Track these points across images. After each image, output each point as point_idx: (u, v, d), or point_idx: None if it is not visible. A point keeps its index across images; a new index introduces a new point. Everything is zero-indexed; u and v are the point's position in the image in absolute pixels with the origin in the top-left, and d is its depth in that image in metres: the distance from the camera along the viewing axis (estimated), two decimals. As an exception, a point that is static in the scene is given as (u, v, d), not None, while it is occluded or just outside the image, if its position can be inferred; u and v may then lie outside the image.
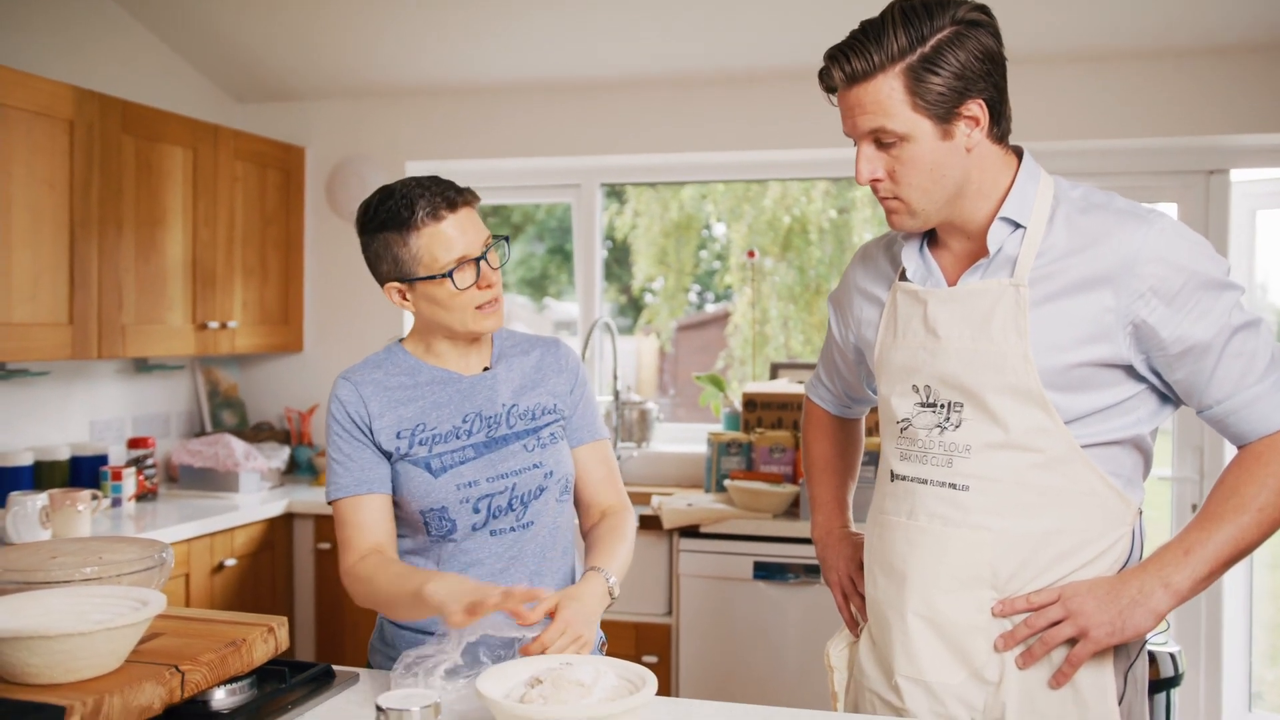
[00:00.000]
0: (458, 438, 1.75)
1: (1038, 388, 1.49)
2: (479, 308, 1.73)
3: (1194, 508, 3.66)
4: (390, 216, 1.69)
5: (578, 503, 1.91)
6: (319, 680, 1.66)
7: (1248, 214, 3.78)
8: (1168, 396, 1.56)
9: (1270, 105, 3.39)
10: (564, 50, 3.78)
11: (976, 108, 1.47)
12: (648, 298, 7.94)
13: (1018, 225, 1.53)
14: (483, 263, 1.71)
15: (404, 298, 1.75)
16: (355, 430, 1.75)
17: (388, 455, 1.75)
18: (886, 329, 1.67)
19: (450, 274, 1.69)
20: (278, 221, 4.09)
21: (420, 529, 1.77)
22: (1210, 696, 3.65)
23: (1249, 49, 3.39)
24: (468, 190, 1.73)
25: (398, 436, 1.74)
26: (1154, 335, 1.47)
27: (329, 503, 1.78)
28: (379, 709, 1.31)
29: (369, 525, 1.74)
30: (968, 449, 1.54)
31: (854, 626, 1.82)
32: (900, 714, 1.60)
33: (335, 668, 1.72)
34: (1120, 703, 1.52)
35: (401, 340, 1.85)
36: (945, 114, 1.46)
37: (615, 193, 6.81)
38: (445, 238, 1.69)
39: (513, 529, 1.76)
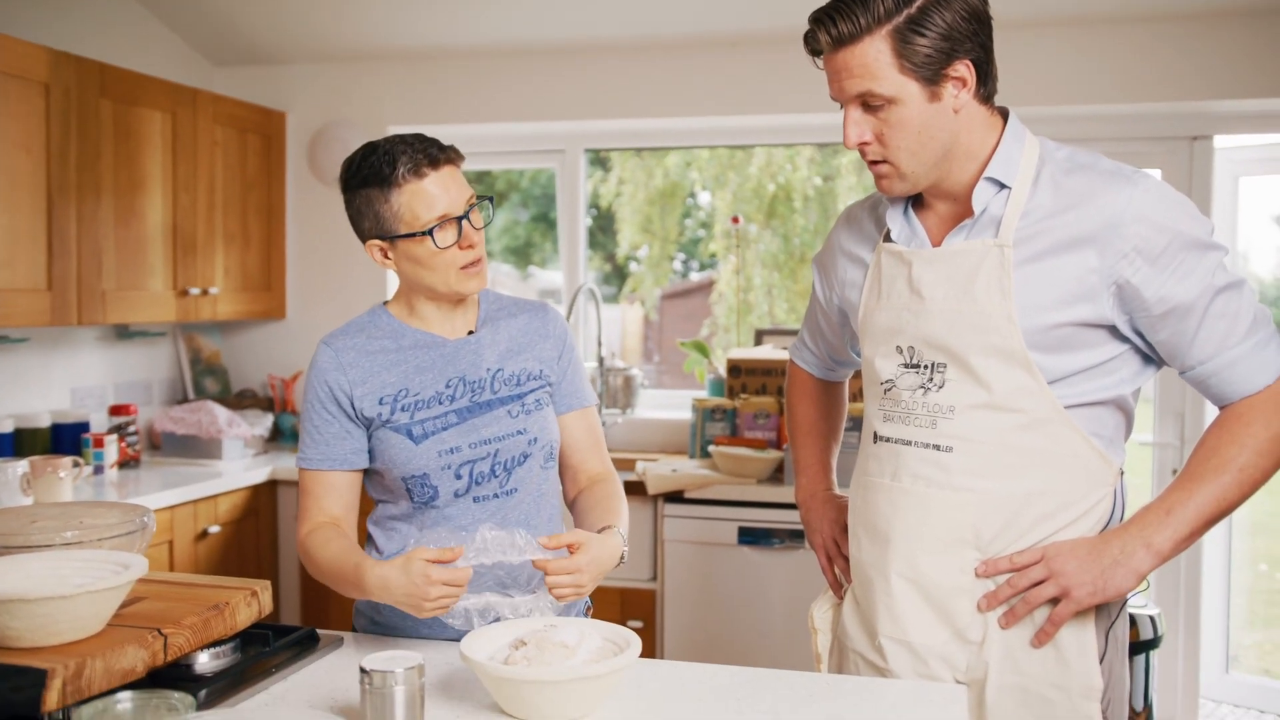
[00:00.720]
0: (440, 403, 1.74)
1: (1021, 348, 1.49)
2: (462, 268, 1.70)
3: (1174, 472, 3.69)
4: (372, 173, 1.67)
5: (562, 469, 1.89)
6: (303, 644, 1.66)
7: (1230, 180, 3.79)
8: (1150, 357, 1.56)
9: (1254, 71, 3.39)
10: (548, 14, 3.74)
11: (964, 68, 1.46)
12: (632, 266, 7.92)
13: (1003, 186, 1.53)
14: (465, 222, 1.69)
15: (385, 256, 1.73)
16: (330, 402, 1.74)
17: (369, 422, 1.74)
18: (870, 290, 1.67)
19: (430, 232, 1.67)
20: (259, 187, 4.06)
21: (403, 495, 1.76)
22: (1189, 658, 3.69)
23: (1233, 14, 3.38)
24: (451, 148, 1.71)
25: (379, 403, 1.73)
26: (1137, 295, 1.47)
27: (298, 468, 1.78)
28: (363, 671, 1.31)
29: (326, 498, 1.75)
30: (951, 410, 1.54)
31: (838, 589, 1.83)
32: (883, 674, 1.61)
33: (320, 631, 1.72)
34: (1101, 661, 1.53)
35: (386, 303, 1.83)
36: (933, 75, 1.45)
37: (600, 160, 6.78)
38: (427, 195, 1.66)
39: (496, 495, 1.75)
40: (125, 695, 1.24)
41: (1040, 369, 1.50)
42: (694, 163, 7.27)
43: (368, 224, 1.71)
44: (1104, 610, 1.56)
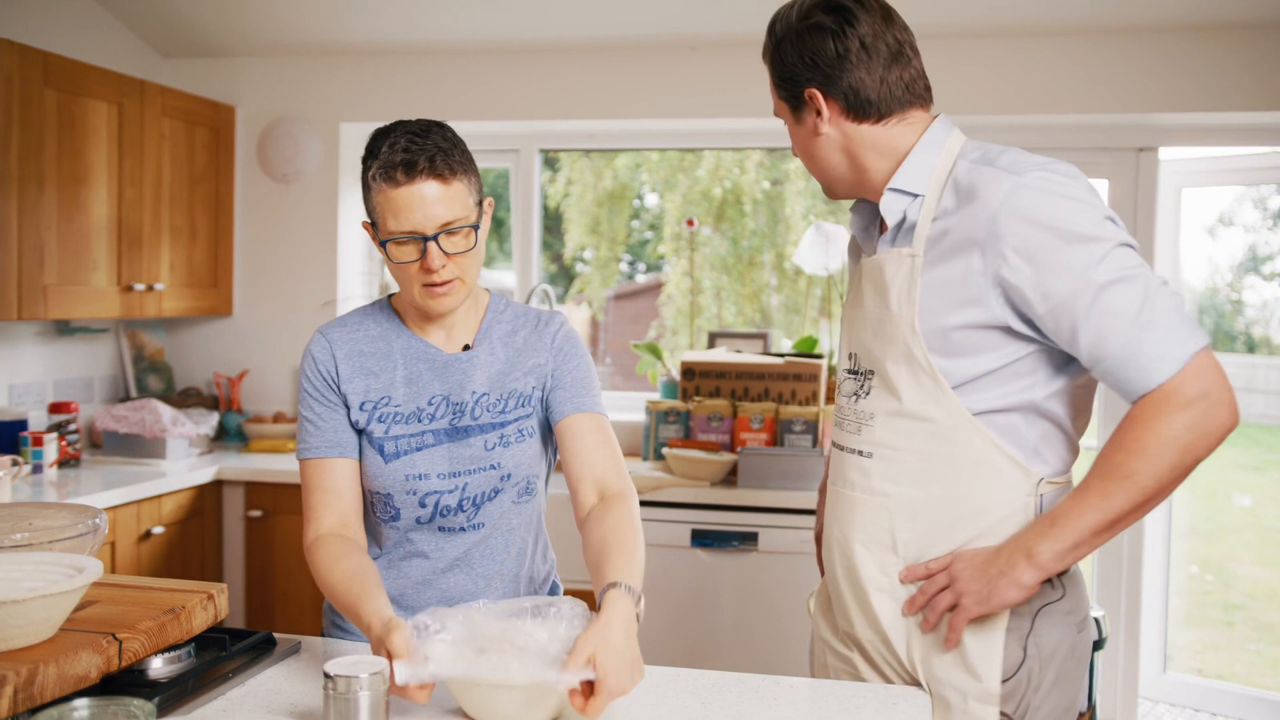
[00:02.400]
0: (419, 420, 1.67)
1: (924, 355, 1.50)
2: (424, 286, 1.60)
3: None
4: (365, 155, 1.60)
5: (570, 479, 1.68)
6: (259, 648, 1.63)
7: (1174, 191, 3.88)
8: (1070, 358, 1.51)
9: (1198, 84, 3.47)
10: (505, 13, 3.72)
11: (817, 96, 1.58)
12: (579, 266, 7.91)
13: (915, 195, 1.55)
14: (431, 244, 1.56)
15: (373, 239, 1.64)
16: (326, 390, 1.69)
17: (353, 423, 1.69)
18: (848, 299, 1.73)
19: (385, 244, 1.58)
20: (207, 181, 3.98)
21: (367, 508, 1.72)
22: (1129, 659, 3.77)
23: (1180, 27, 3.46)
24: (443, 160, 1.56)
25: (360, 408, 1.68)
26: (1020, 295, 1.44)
27: (299, 462, 1.71)
28: (326, 676, 1.29)
29: (334, 491, 1.67)
30: (872, 417, 1.58)
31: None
32: (850, 665, 1.66)
33: (276, 635, 1.69)
34: (1020, 669, 1.52)
35: (391, 296, 1.76)
36: (793, 102, 1.62)
37: (549, 161, 6.75)
38: (395, 206, 1.56)
39: (463, 529, 1.70)
40: (82, 703, 1.21)
41: (944, 374, 1.50)
42: (643, 165, 7.28)
43: (365, 204, 1.63)
44: (1018, 619, 1.53)
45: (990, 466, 1.50)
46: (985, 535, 1.52)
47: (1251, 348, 4.76)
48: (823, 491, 1.93)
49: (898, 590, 1.57)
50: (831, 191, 1.67)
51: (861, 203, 1.69)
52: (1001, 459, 1.50)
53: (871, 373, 1.58)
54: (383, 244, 1.59)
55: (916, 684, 1.57)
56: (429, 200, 1.55)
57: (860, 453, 1.59)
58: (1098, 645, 2.93)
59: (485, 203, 1.66)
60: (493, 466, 1.68)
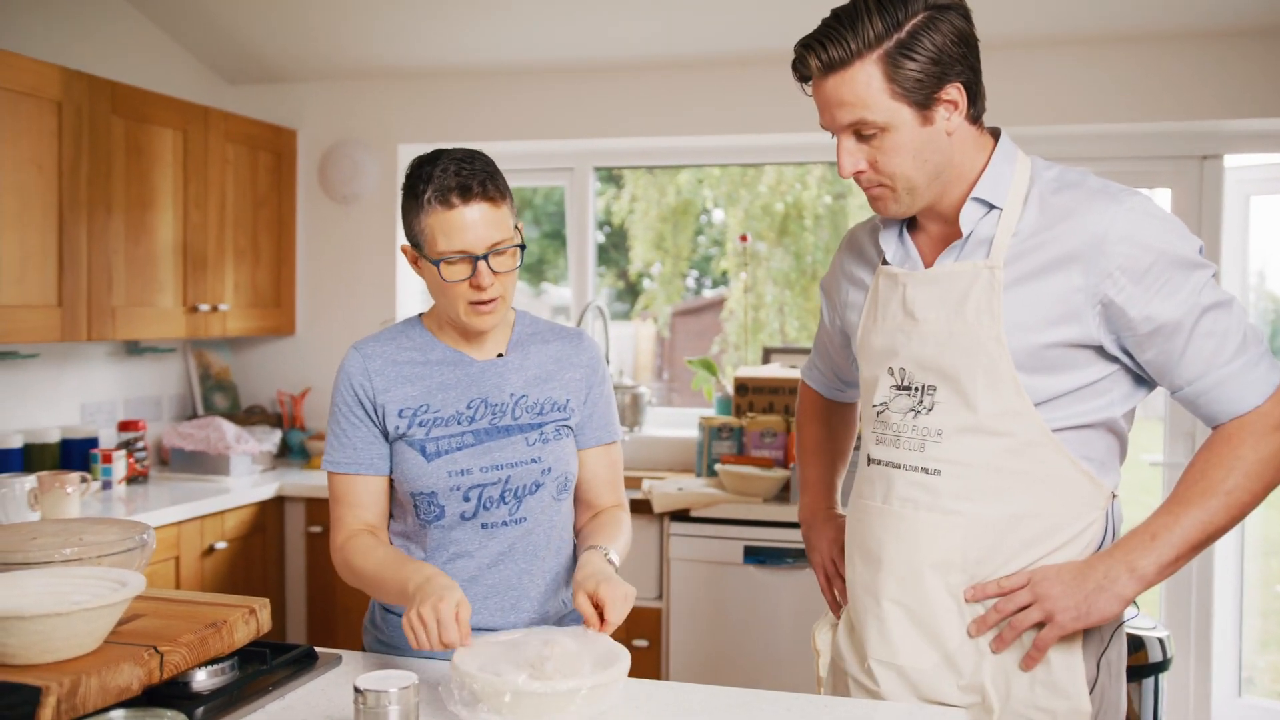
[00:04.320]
0: (459, 423, 1.73)
1: (1009, 369, 1.48)
2: (470, 303, 1.68)
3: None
4: (412, 185, 1.67)
5: (576, 501, 1.87)
6: (301, 662, 1.66)
7: (1241, 199, 3.77)
8: (1143, 379, 1.55)
9: (1264, 90, 3.38)
10: (558, 33, 3.75)
11: (955, 91, 1.47)
12: (645, 283, 7.93)
13: (992, 206, 1.53)
14: (482, 263, 1.64)
15: (415, 264, 1.73)
16: (357, 406, 1.74)
17: (388, 433, 1.74)
18: (868, 313, 1.67)
19: (439, 263, 1.65)
20: (269, 204, 4.08)
21: (410, 512, 1.76)
22: (1200, 681, 3.65)
23: (1242, 33, 3.37)
24: (492, 184, 1.65)
25: (399, 415, 1.73)
26: (1122, 315, 1.46)
27: (324, 469, 1.78)
28: (357, 690, 1.31)
29: (361, 505, 1.75)
30: (939, 433, 1.53)
31: (836, 609, 1.82)
32: (875, 697, 1.61)
33: (318, 649, 1.72)
34: (1093, 689, 1.52)
35: (422, 315, 1.83)
36: (924, 99, 1.45)
37: (613, 177, 6.80)
38: (448, 227, 1.63)
39: (505, 523, 1.74)
40: (118, 714, 1.24)
41: (1028, 390, 1.49)
42: (706, 180, 7.28)
43: (405, 229, 1.71)
44: (1094, 636, 1.54)
45: (1068, 483, 1.50)
46: (1060, 551, 1.51)
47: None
48: (824, 519, 1.89)
49: (964, 610, 1.54)
50: (908, 204, 1.54)
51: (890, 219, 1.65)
52: (1077, 474, 1.50)
53: (933, 388, 1.54)
54: (435, 264, 1.65)
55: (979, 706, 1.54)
56: (480, 222, 1.63)
57: (924, 470, 1.54)
58: (1162, 667, 2.84)
59: (518, 227, 1.74)
60: (534, 460, 1.74)
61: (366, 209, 4.20)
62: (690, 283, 8.18)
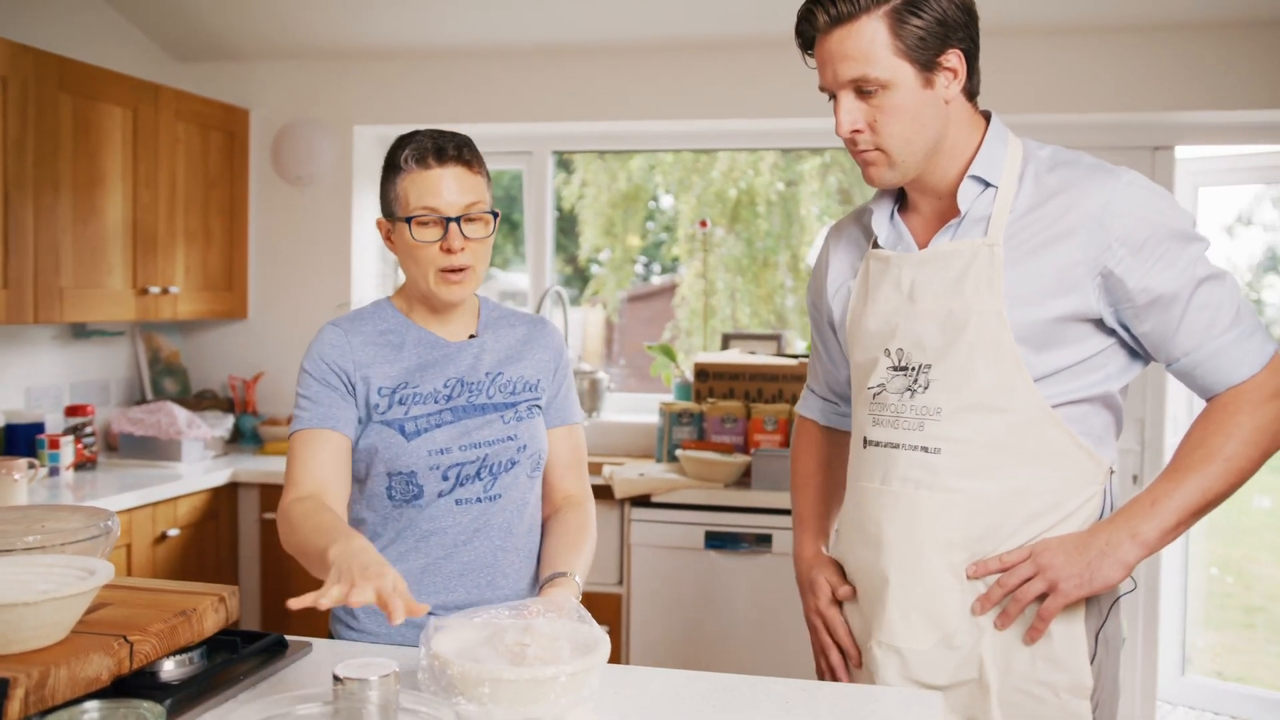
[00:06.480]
0: (436, 401, 1.73)
1: (1011, 344, 1.50)
2: (440, 270, 1.70)
3: (1135, 479, 3.74)
4: (391, 155, 1.72)
5: (542, 484, 1.88)
6: (271, 650, 1.63)
7: (1191, 190, 3.85)
8: (1137, 353, 1.57)
9: (1215, 83, 3.44)
10: (517, 16, 3.72)
11: (955, 58, 1.49)
12: (594, 268, 7.90)
13: (988, 184, 1.54)
14: (454, 225, 1.68)
15: (389, 238, 1.76)
16: (332, 377, 1.72)
17: (369, 409, 1.72)
18: (858, 297, 1.67)
19: (410, 219, 1.67)
20: (221, 185, 4.00)
21: (382, 494, 1.74)
22: (1147, 660, 3.74)
23: (1194, 26, 3.43)
24: (469, 151, 1.72)
25: (379, 393, 1.72)
26: (1121, 286, 1.49)
27: (290, 433, 1.74)
28: (336, 678, 1.29)
29: (317, 462, 1.68)
30: (938, 411, 1.54)
31: (826, 673, 1.76)
32: (872, 679, 1.62)
33: (288, 638, 1.69)
34: (1094, 660, 1.54)
35: (390, 298, 1.84)
36: (927, 61, 1.47)
37: (563, 162, 6.76)
38: (421, 186, 1.68)
39: (479, 499, 1.74)
40: (93, 705, 1.20)
41: (1028, 365, 1.50)
42: (657, 166, 7.27)
43: (382, 203, 1.75)
44: (1093, 610, 1.55)
45: (1066, 457, 1.52)
46: (1059, 526, 1.53)
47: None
48: (815, 565, 1.78)
49: (965, 588, 1.55)
50: (902, 171, 1.54)
51: (883, 196, 1.66)
52: (1076, 449, 1.52)
53: (928, 366, 1.55)
54: (406, 222, 1.68)
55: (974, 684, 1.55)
56: (455, 185, 1.68)
57: (924, 449, 1.55)
58: (1115, 647, 2.90)
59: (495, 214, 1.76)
60: (510, 438, 1.75)
61: (321, 191, 4.13)
62: (639, 268, 8.17)
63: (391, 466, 1.71)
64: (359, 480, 1.77)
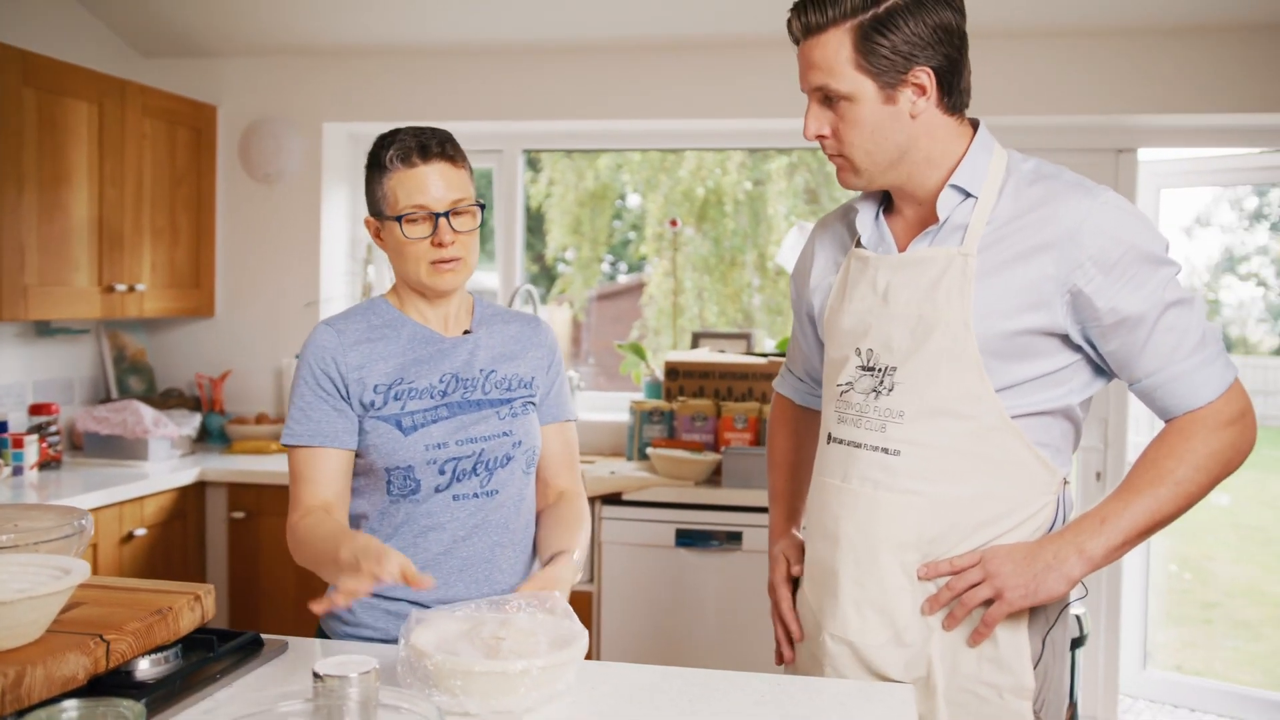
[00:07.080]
0: (431, 396, 1.75)
1: (975, 354, 1.52)
2: (432, 263, 1.72)
3: (1098, 475, 3.79)
4: (375, 155, 1.75)
5: (535, 480, 1.90)
6: (247, 649, 1.63)
7: (1153, 192, 3.91)
8: (1102, 369, 1.59)
9: (1177, 86, 3.50)
10: (487, 14, 3.71)
11: (924, 76, 1.50)
12: (561, 267, 7.90)
13: (968, 194, 1.56)
14: (443, 220, 1.70)
15: (378, 236, 1.78)
16: (325, 380, 1.73)
17: (364, 407, 1.73)
18: (837, 294, 1.69)
19: (400, 219, 1.70)
20: (188, 182, 3.97)
21: (381, 489, 1.75)
22: (1109, 656, 3.80)
23: (1158, 30, 3.49)
24: (452, 146, 1.74)
25: (374, 390, 1.73)
26: (1089, 305, 1.50)
27: (283, 445, 1.76)
28: (316, 675, 1.29)
29: (318, 481, 1.73)
30: (901, 414, 1.56)
31: (780, 656, 1.80)
32: (822, 671, 1.65)
33: (263, 636, 1.69)
34: (1036, 665, 1.56)
35: (384, 295, 1.85)
36: (890, 79, 1.50)
37: (530, 161, 6.76)
38: (409, 184, 1.70)
39: (476, 495, 1.76)
40: (72, 704, 1.20)
41: (991, 375, 1.52)
42: (625, 165, 7.28)
43: (369, 201, 1.77)
44: (1040, 615, 1.59)
45: (1023, 467, 1.55)
46: (1012, 533, 1.56)
47: (1228, 348, 4.81)
48: (782, 543, 1.84)
49: (917, 588, 1.57)
50: (867, 178, 1.58)
51: (869, 197, 1.68)
52: (1033, 460, 1.55)
53: (894, 369, 1.57)
54: (396, 220, 1.71)
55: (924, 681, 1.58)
56: (441, 180, 1.71)
57: (885, 450, 1.57)
58: (1078, 643, 2.94)
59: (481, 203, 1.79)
60: (505, 434, 1.77)
61: (290, 188, 4.10)
62: (606, 267, 8.17)
63: (389, 461, 1.72)
64: (356, 475, 1.78)
